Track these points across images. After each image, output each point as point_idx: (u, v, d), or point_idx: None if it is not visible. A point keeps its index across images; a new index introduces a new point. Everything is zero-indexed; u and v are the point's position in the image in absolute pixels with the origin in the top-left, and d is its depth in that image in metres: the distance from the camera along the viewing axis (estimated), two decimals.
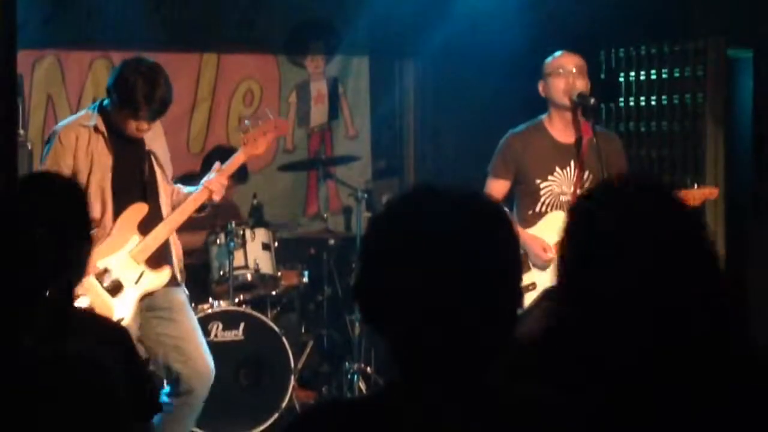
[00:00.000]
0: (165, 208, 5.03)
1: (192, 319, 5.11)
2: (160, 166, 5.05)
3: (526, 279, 4.89)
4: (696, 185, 5.23)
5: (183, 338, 5.00)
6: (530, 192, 5.15)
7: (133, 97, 4.71)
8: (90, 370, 2.11)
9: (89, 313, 3.63)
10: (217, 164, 5.16)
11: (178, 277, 5.11)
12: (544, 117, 5.22)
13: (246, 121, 5.36)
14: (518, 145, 5.18)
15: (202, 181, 5.09)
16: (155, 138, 5.04)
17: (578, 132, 5.15)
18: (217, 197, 5.06)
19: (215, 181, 5.04)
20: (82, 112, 5.03)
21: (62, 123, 5.01)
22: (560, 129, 5.18)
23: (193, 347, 5.01)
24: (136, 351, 2.85)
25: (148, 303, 4.99)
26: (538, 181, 5.14)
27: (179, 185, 5.22)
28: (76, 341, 2.23)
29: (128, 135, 4.85)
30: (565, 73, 5.10)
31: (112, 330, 2.85)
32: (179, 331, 5.00)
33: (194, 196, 5.03)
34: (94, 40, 6.94)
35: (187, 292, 5.19)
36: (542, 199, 5.13)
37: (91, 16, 6.83)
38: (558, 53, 5.21)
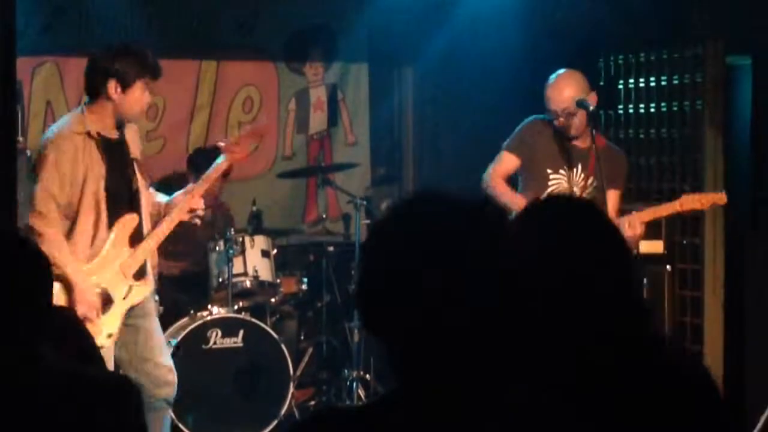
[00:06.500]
0: (146, 218, 4.97)
1: (157, 326, 5.07)
2: (142, 174, 4.97)
3: None
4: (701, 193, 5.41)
5: (146, 345, 4.95)
6: (538, 178, 5.18)
7: (145, 60, 4.75)
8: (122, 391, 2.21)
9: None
10: (190, 186, 5.14)
11: (153, 286, 5.09)
12: None
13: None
14: (538, 129, 5.27)
15: (180, 195, 5.07)
16: (133, 144, 4.97)
17: (592, 140, 5.18)
18: (200, 212, 5.05)
19: (194, 202, 5.00)
20: (67, 118, 4.90)
21: (53, 131, 4.82)
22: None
23: (157, 353, 4.97)
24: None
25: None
26: (549, 170, 5.18)
27: (152, 190, 5.18)
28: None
29: (133, 118, 4.87)
30: (556, 115, 5.16)
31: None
32: (144, 338, 4.95)
33: (178, 212, 4.98)
34: (93, 46, 6.92)
35: (156, 298, 5.26)
36: (549, 190, 5.16)
37: (89, 23, 6.83)
38: (551, 80, 5.22)
